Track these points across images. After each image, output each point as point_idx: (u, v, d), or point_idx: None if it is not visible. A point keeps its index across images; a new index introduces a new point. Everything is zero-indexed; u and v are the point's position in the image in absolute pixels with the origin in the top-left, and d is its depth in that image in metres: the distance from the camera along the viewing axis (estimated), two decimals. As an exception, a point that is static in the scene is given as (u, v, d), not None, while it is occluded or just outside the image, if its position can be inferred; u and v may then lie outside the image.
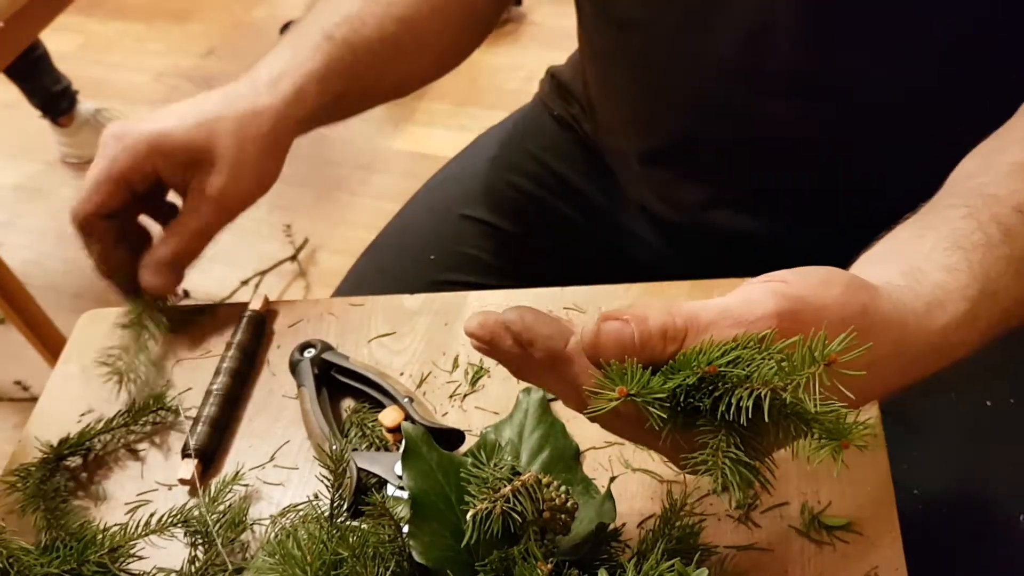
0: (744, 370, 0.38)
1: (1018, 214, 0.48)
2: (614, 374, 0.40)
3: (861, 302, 0.42)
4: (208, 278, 1.88)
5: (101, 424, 0.63)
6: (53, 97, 2.07)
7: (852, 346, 0.37)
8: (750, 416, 0.37)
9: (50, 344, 1.53)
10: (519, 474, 0.47)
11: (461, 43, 0.81)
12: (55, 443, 0.62)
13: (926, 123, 0.68)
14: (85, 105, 2.13)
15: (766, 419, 0.37)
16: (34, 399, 0.67)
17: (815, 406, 0.36)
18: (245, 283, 1.86)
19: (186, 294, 1.88)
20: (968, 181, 0.52)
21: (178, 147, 0.65)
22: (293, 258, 1.90)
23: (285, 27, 2.46)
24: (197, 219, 0.67)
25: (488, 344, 0.45)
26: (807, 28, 0.64)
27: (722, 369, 0.38)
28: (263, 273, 1.88)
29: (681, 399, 0.39)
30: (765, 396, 0.37)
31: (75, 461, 0.63)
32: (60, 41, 2.21)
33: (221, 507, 0.56)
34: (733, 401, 0.38)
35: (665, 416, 0.39)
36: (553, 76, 0.93)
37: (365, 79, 0.72)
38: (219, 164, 0.65)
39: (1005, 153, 0.53)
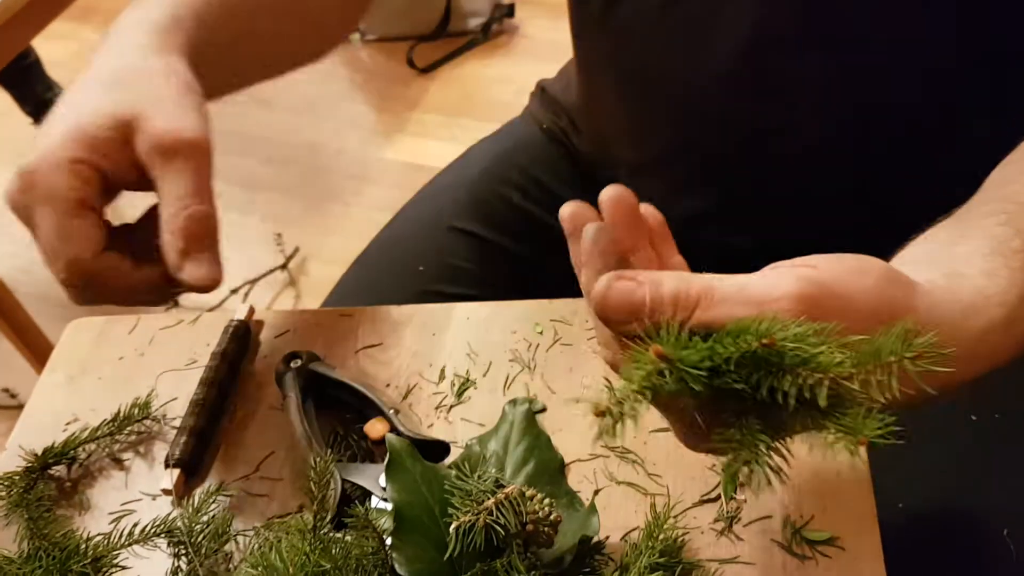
0: (806, 352, 0.36)
1: None
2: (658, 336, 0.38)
3: (891, 296, 0.41)
4: (198, 287, 1.87)
5: (86, 433, 0.63)
6: (45, 104, 2.07)
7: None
8: (796, 401, 0.36)
9: (38, 352, 1.52)
10: (503, 486, 0.47)
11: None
12: (39, 452, 0.61)
13: (923, 135, 0.68)
14: (77, 113, 2.13)
15: (821, 405, 0.36)
16: (21, 407, 0.66)
17: (874, 397, 0.36)
18: (235, 292, 1.86)
19: (175, 303, 1.88)
20: (1002, 188, 0.52)
21: (101, 128, 0.53)
22: (283, 267, 1.90)
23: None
24: (178, 180, 0.53)
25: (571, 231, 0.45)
26: (806, 36, 0.65)
27: (781, 344, 0.37)
28: (253, 282, 1.88)
29: (722, 370, 0.38)
30: (824, 383, 0.36)
31: (59, 470, 0.63)
32: (53, 48, 2.21)
33: (205, 518, 0.56)
34: (788, 383, 0.36)
35: (700, 387, 0.37)
36: (543, 89, 0.93)
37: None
38: (148, 116, 0.53)
39: None
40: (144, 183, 0.55)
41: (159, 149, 0.52)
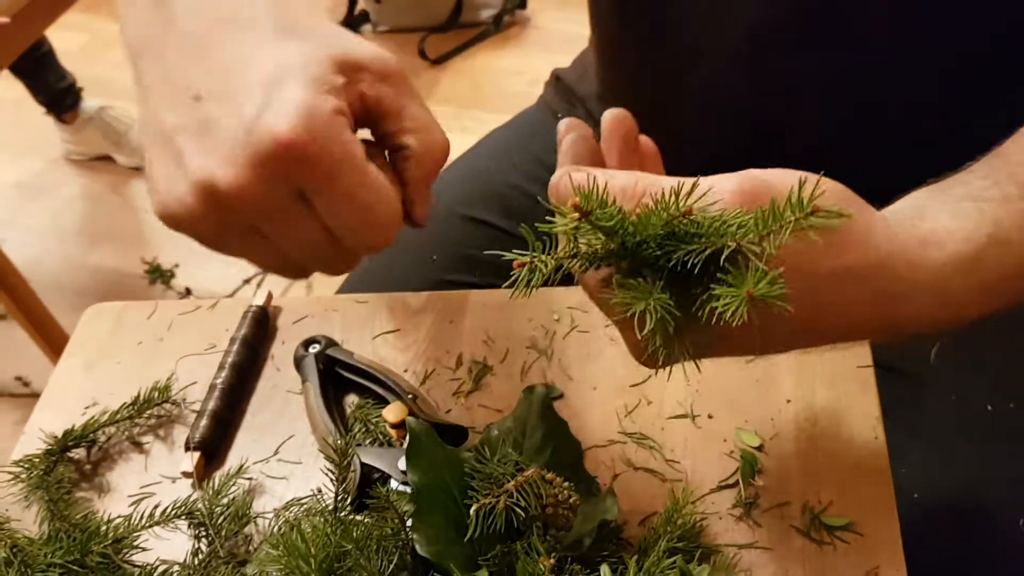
0: (719, 223, 0.38)
1: None
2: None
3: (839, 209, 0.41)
4: (210, 276, 1.88)
5: (106, 416, 0.63)
6: (58, 94, 2.08)
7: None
8: (696, 270, 0.38)
9: (52, 340, 1.53)
10: (523, 470, 0.47)
11: None
12: (59, 434, 0.62)
13: (923, 135, 0.68)
14: (89, 103, 2.13)
15: (721, 269, 0.37)
16: (35, 395, 0.67)
17: (770, 248, 0.36)
18: (248, 281, 1.86)
19: (188, 292, 1.88)
20: (994, 154, 0.51)
21: (334, 72, 0.44)
22: (295, 258, 1.91)
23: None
24: (416, 107, 0.47)
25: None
26: (806, 36, 0.65)
27: (700, 215, 0.38)
28: (266, 271, 1.88)
29: (641, 244, 0.39)
30: (728, 247, 0.37)
31: (79, 453, 0.63)
32: (65, 39, 2.22)
33: (225, 500, 0.56)
34: (696, 248, 0.38)
35: (615, 245, 0.39)
36: (558, 78, 0.93)
37: None
38: (354, 51, 0.45)
39: None
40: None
41: (389, 79, 0.45)
